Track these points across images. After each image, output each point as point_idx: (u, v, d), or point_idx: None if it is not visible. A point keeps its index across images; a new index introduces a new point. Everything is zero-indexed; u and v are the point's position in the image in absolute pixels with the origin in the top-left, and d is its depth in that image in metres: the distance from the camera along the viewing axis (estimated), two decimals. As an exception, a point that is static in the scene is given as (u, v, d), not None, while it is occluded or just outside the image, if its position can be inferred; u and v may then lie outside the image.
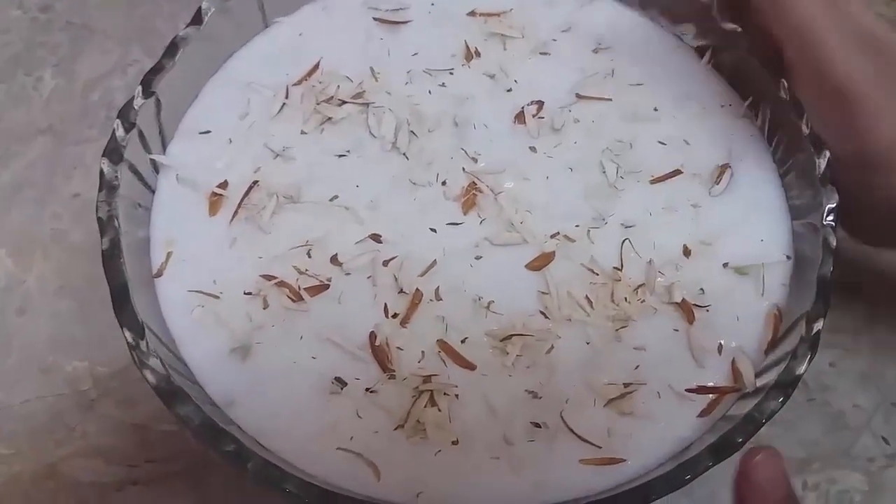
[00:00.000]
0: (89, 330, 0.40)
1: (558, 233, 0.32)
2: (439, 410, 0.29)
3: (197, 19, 0.34)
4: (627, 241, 0.32)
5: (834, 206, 0.30)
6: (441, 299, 0.31)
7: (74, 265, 0.41)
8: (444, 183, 0.33)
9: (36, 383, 0.39)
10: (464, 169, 0.34)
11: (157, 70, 0.33)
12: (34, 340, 0.40)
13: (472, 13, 0.37)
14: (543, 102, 0.35)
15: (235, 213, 0.33)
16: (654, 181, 0.34)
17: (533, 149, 0.34)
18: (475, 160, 0.34)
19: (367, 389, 0.30)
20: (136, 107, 0.32)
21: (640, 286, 0.31)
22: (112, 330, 0.38)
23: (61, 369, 0.39)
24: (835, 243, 0.30)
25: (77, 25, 0.49)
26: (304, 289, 0.31)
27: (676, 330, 0.31)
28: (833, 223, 0.30)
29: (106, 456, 0.38)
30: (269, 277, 0.31)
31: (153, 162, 0.33)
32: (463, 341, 0.30)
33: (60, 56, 0.48)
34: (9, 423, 0.38)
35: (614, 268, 0.32)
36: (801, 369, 0.28)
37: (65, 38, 0.49)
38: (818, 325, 0.28)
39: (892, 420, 0.38)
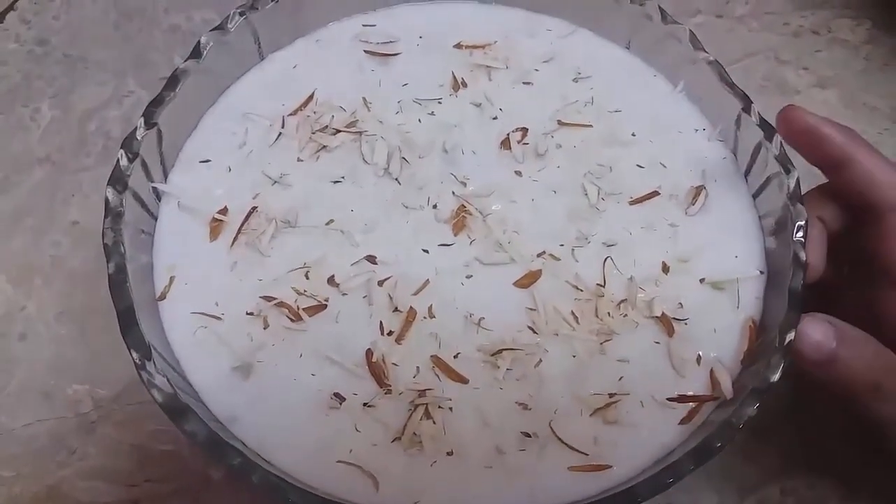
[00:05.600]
0: (89, 354, 0.41)
1: (544, 252, 0.34)
2: (434, 423, 0.30)
3: (196, 53, 0.35)
4: (609, 259, 0.34)
5: (803, 222, 0.32)
6: (434, 317, 0.32)
7: (74, 291, 0.42)
8: (435, 206, 0.35)
9: (37, 407, 0.40)
10: (453, 193, 0.35)
11: (158, 102, 0.34)
12: (35, 365, 0.41)
13: (459, 45, 0.39)
14: (527, 129, 0.37)
15: (235, 237, 0.34)
16: (634, 202, 0.36)
17: (518, 173, 0.36)
18: (464, 184, 0.36)
19: (364, 404, 0.31)
20: (138, 137, 0.33)
21: (622, 301, 0.33)
22: (112, 353, 0.39)
23: (62, 393, 0.40)
24: (804, 258, 0.32)
25: (73, 58, 0.51)
26: (303, 309, 0.32)
27: (657, 342, 0.33)
28: (802, 239, 0.32)
29: (106, 476, 0.38)
30: (268, 298, 0.33)
31: (155, 190, 0.34)
32: (456, 356, 0.32)
33: (57, 88, 0.49)
34: (10, 446, 0.39)
35: (597, 284, 0.33)
36: (775, 377, 0.29)
37: (61, 71, 0.50)
38: (790, 336, 0.30)
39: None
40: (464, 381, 0.31)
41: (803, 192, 0.33)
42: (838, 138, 0.32)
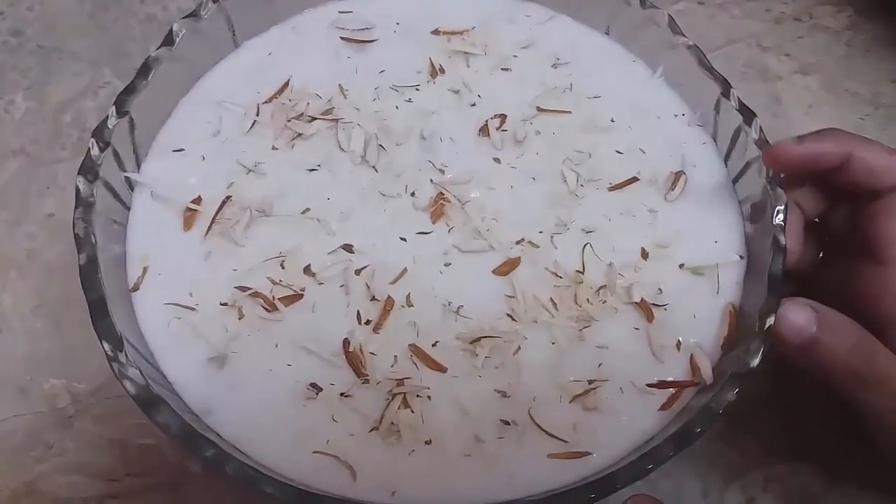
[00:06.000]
0: (66, 348, 0.40)
1: (523, 239, 0.34)
2: (412, 412, 0.30)
3: (169, 40, 0.35)
4: (588, 245, 0.34)
5: (782, 207, 0.32)
6: (412, 305, 0.32)
7: (50, 284, 0.42)
8: (412, 194, 0.35)
9: (13, 402, 0.39)
10: (431, 180, 0.35)
11: (130, 90, 0.33)
12: (11, 360, 0.40)
13: (436, 32, 0.39)
14: (506, 116, 0.37)
15: (209, 227, 0.33)
16: (613, 188, 0.35)
17: (497, 160, 0.36)
18: (442, 172, 0.35)
19: (341, 394, 0.30)
20: (110, 126, 0.33)
21: (601, 288, 0.33)
22: (89, 347, 0.39)
23: (39, 387, 0.39)
24: (784, 242, 0.31)
25: (48, 49, 0.50)
26: (279, 299, 0.32)
27: (637, 328, 0.32)
28: (782, 223, 0.32)
29: (85, 471, 0.38)
30: (243, 289, 0.32)
31: (128, 179, 0.34)
32: (434, 345, 0.31)
33: (32, 79, 0.49)
34: (-14, 443, 0.38)
35: (577, 271, 0.33)
36: (755, 362, 0.29)
37: (36, 62, 0.49)
38: (770, 320, 0.30)
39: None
40: (442, 369, 0.31)
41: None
42: (831, 147, 0.32)
